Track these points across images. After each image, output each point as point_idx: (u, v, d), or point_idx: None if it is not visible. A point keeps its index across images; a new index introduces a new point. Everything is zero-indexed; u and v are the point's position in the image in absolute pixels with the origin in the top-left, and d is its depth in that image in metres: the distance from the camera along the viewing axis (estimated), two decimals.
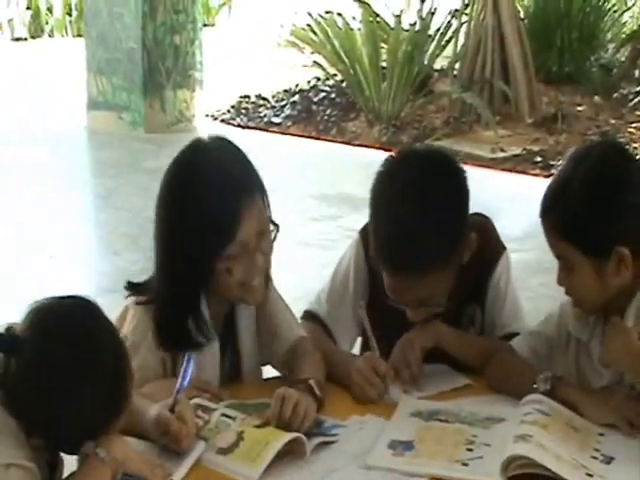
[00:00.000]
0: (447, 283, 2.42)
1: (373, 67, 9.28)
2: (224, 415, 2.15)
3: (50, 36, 15.05)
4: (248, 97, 10.53)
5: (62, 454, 1.97)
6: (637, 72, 10.55)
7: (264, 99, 10.48)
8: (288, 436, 2.05)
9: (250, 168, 2.31)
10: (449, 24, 9.58)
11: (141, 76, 8.98)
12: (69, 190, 7.40)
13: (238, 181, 2.25)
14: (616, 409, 2.16)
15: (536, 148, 8.52)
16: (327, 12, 9.81)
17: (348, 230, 5.27)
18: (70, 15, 15.10)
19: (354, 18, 9.70)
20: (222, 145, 2.34)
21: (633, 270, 2.18)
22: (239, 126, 9.63)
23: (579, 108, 9.61)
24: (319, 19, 9.79)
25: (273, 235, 2.32)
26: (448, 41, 9.65)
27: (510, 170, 8.14)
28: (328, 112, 9.79)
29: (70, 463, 1.96)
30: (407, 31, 9.30)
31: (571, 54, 10.44)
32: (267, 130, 9.53)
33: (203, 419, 2.13)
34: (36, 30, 15.00)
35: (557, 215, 2.22)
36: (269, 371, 2.54)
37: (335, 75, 10.05)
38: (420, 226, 2.31)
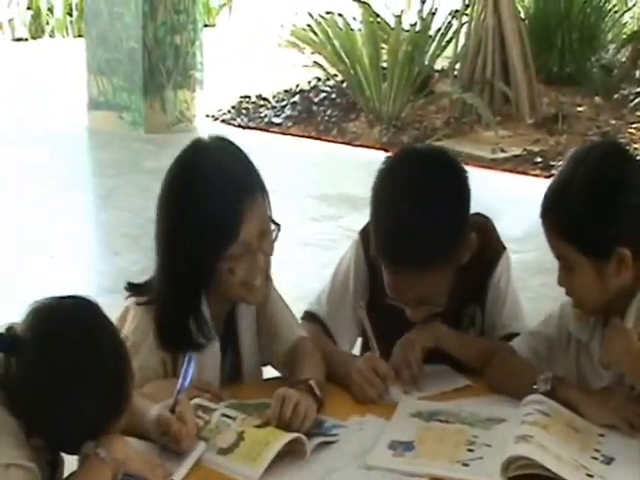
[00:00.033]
0: (447, 282, 2.42)
1: (373, 67, 9.27)
2: (224, 415, 2.15)
3: (51, 36, 15.04)
4: (248, 97, 10.53)
5: (62, 454, 1.97)
6: (638, 73, 10.55)
7: (264, 99, 10.48)
8: (288, 436, 2.05)
9: (251, 168, 2.31)
10: (449, 24, 9.58)
11: (141, 76, 8.98)
12: (69, 190, 7.40)
13: (240, 181, 2.25)
14: (616, 410, 2.16)
15: (536, 149, 8.52)
16: (327, 12, 9.81)
17: (348, 230, 5.27)
18: (71, 15, 15.09)
19: (354, 18, 9.70)
20: (223, 145, 2.34)
21: (633, 271, 2.18)
22: (239, 126, 9.63)
23: (580, 109, 9.61)
24: (319, 19, 9.79)
25: (274, 235, 2.32)
26: (449, 41, 9.65)
27: (510, 171, 8.14)
28: (328, 112, 9.79)
29: (71, 463, 1.96)
30: (408, 31, 9.30)
31: (572, 55, 10.44)
32: (267, 130, 9.53)
33: (203, 419, 2.13)
34: (37, 30, 14.99)
35: (558, 215, 2.22)
36: (269, 371, 2.54)
37: (335, 75, 10.05)
38: (420, 223, 2.31)
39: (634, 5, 11.93)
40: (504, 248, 2.61)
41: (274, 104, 10.32)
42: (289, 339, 2.46)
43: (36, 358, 1.84)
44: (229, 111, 10.12)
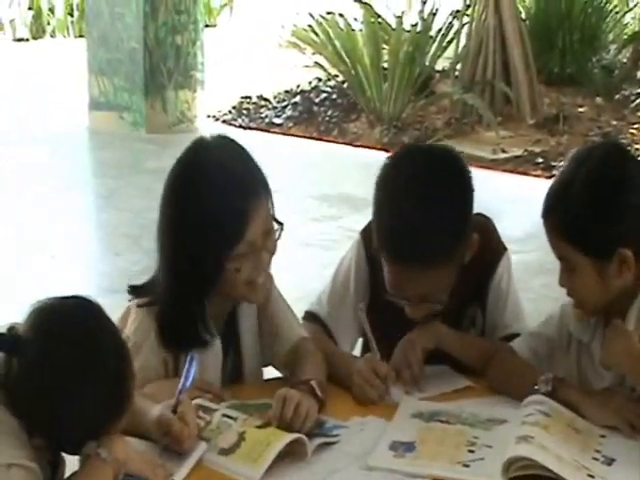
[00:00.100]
0: (448, 280, 2.42)
1: (374, 68, 9.27)
2: (225, 416, 2.15)
3: (52, 36, 15.04)
4: (249, 98, 10.52)
5: (64, 454, 1.97)
6: (639, 73, 10.54)
7: (265, 100, 10.48)
8: (289, 437, 2.05)
9: (254, 166, 2.31)
10: (450, 25, 9.58)
11: (142, 76, 8.98)
12: (70, 190, 7.40)
13: (244, 180, 2.25)
14: (617, 411, 2.16)
15: (537, 149, 8.52)
16: (328, 13, 9.81)
17: (349, 231, 5.27)
18: (72, 15, 15.09)
19: (355, 19, 9.70)
20: (226, 144, 2.35)
21: (635, 272, 2.18)
22: (240, 127, 9.63)
23: (581, 109, 9.61)
24: (320, 20, 9.79)
25: (277, 234, 2.32)
26: (449, 42, 9.65)
27: (511, 171, 8.13)
28: (329, 113, 9.79)
29: (72, 463, 1.96)
30: (408, 32, 9.30)
31: (573, 55, 10.43)
32: (268, 131, 9.53)
33: (205, 420, 2.13)
34: (38, 30, 14.99)
35: (559, 216, 2.22)
36: (271, 372, 2.54)
37: (336, 76, 10.05)
38: (423, 221, 2.31)
39: (635, 6, 11.93)
40: (505, 249, 2.61)
41: (275, 104, 10.32)
42: (290, 339, 2.47)
43: (38, 358, 1.84)
44: (230, 111, 10.12)
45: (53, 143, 8.73)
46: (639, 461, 2.03)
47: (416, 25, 9.37)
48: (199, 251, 2.23)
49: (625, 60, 10.75)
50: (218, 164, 2.27)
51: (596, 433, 2.12)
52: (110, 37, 9.13)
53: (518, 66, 9.20)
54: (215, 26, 15.85)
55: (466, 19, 9.56)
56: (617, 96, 9.94)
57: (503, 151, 8.48)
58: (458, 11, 9.63)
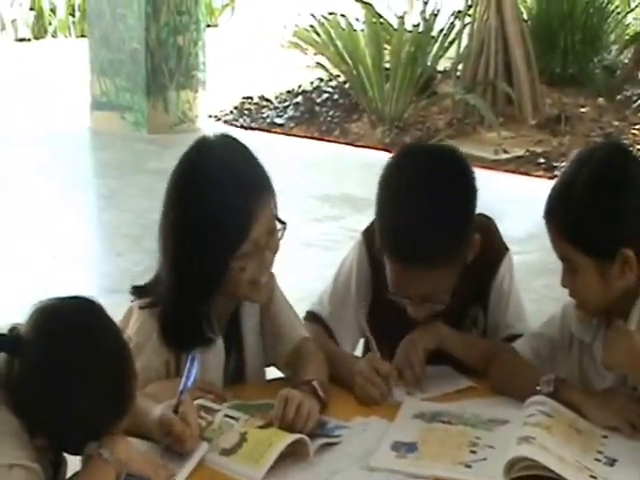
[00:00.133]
0: (451, 280, 2.41)
1: (376, 68, 9.27)
2: (227, 416, 2.15)
3: (53, 37, 15.04)
4: (251, 98, 10.52)
5: (65, 454, 1.97)
6: None
7: (267, 100, 10.47)
8: (291, 437, 2.05)
9: (258, 165, 2.31)
10: (452, 25, 9.57)
11: (144, 77, 8.98)
12: (72, 190, 7.40)
13: (248, 179, 2.25)
14: (619, 411, 2.16)
15: (539, 149, 8.52)
16: (330, 13, 9.81)
17: (351, 231, 5.27)
18: (73, 16, 15.09)
19: (357, 19, 9.69)
20: (229, 143, 2.34)
21: (637, 272, 2.18)
22: (242, 127, 9.62)
23: (582, 110, 9.60)
24: (322, 20, 9.79)
25: (280, 233, 2.32)
26: (451, 42, 9.64)
27: (513, 171, 8.13)
28: (331, 113, 9.78)
29: (73, 463, 1.96)
30: (410, 32, 9.29)
31: (574, 56, 10.43)
32: (270, 131, 9.52)
33: (206, 420, 2.13)
34: (39, 31, 14.99)
35: (561, 217, 2.22)
36: (273, 372, 2.54)
37: (338, 76, 10.05)
38: (426, 220, 2.31)
39: (637, 6, 11.91)
40: (507, 249, 2.61)
41: (276, 105, 10.32)
42: (293, 339, 2.46)
43: (39, 358, 1.84)
44: (231, 112, 10.12)
45: (55, 143, 8.73)
46: None
47: (418, 25, 9.37)
48: (203, 251, 2.22)
49: (627, 60, 10.74)
50: (221, 163, 2.27)
51: (598, 434, 2.12)
52: (112, 38, 9.13)
53: (520, 66, 9.20)
54: (217, 26, 15.84)
55: (468, 19, 9.55)
56: (619, 97, 9.93)
57: (505, 151, 8.48)
58: (460, 11, 9.62)
